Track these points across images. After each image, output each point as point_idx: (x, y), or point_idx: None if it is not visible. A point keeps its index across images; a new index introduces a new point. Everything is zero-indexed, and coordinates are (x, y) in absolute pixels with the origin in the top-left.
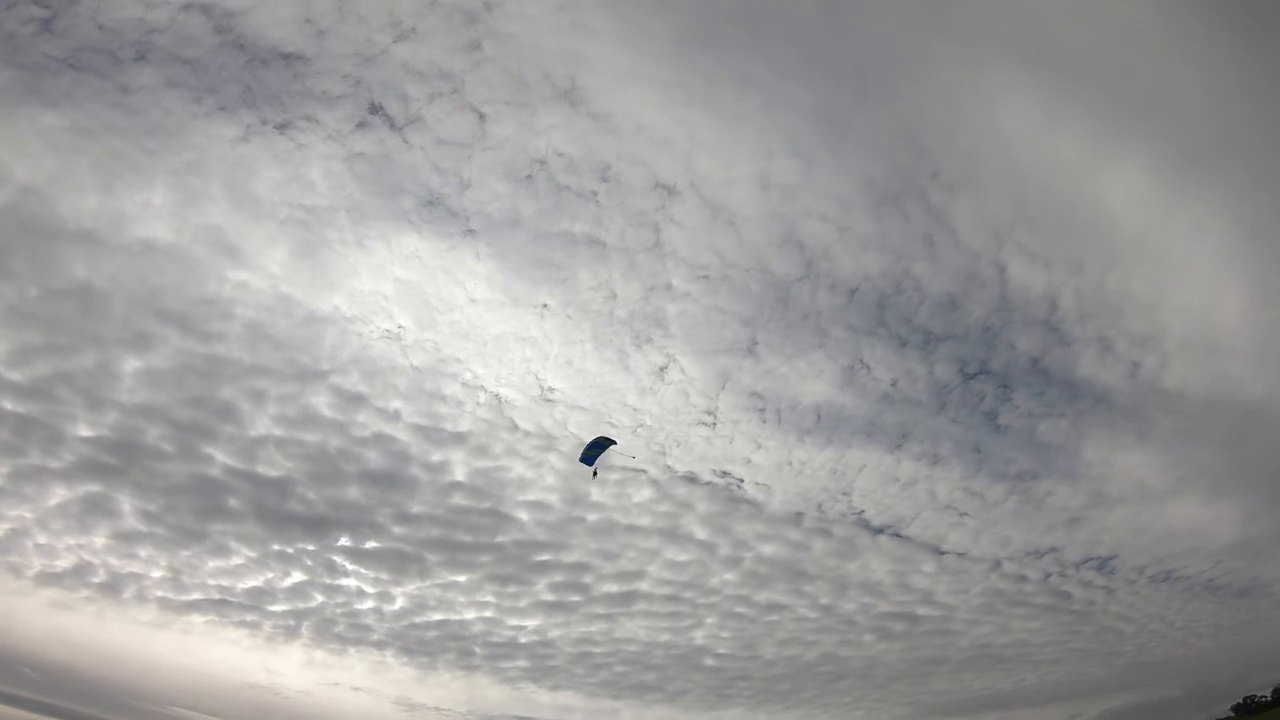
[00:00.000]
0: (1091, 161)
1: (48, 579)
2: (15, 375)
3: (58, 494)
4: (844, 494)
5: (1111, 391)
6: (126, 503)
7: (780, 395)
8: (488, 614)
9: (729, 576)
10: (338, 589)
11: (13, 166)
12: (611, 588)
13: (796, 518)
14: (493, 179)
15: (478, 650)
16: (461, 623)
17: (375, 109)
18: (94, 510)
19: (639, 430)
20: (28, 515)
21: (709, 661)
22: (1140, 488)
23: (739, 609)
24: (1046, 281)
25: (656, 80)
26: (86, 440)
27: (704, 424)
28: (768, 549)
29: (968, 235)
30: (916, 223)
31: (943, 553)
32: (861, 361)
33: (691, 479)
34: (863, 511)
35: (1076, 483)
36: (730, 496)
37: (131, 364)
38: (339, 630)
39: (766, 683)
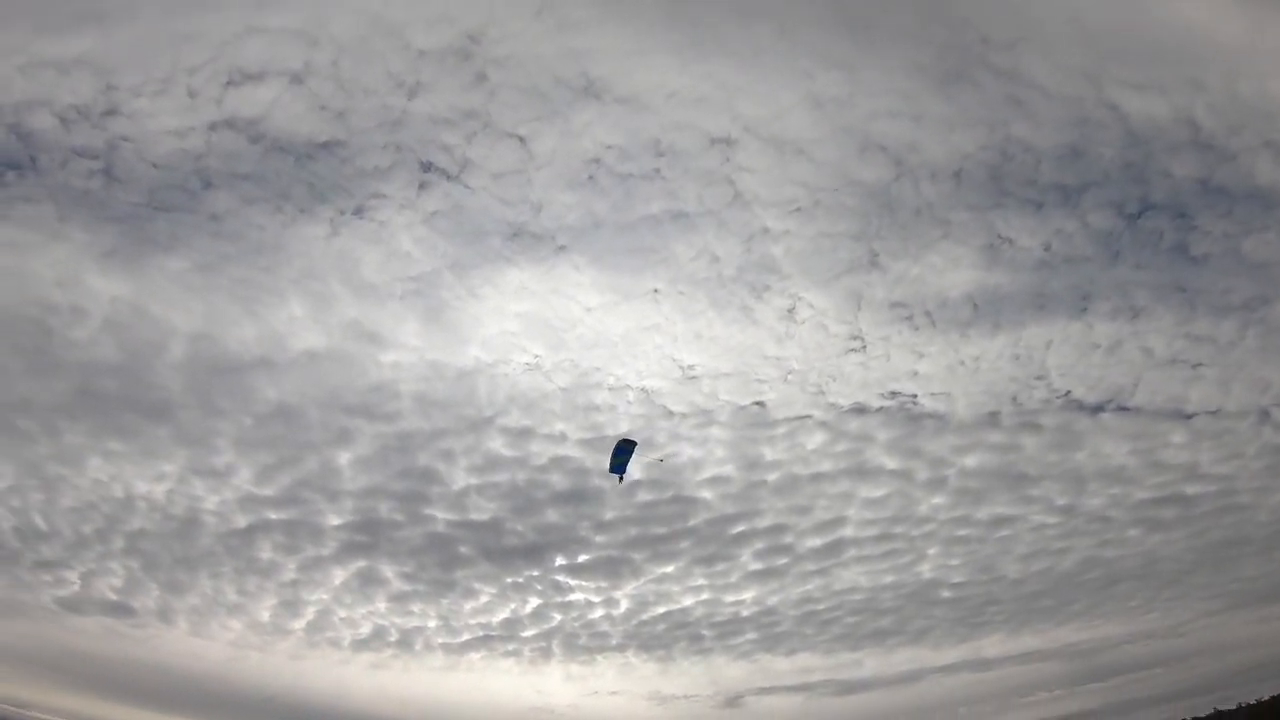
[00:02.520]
0: None
1: (359, 646)
2: (268, 490)
3: (338, 575)
4: (1038, 378)
5: None
6: (388, 570)
7: (923, 296)
8: (704, 596)
9: (938, 500)
10: (569, 605)
11: (171, 318)
12: (815, 542)
13: (991, 418)
14: (558, 192)
15: (706, 633)
16: (683, 610)
17: (426, 167)
18: (368, 582)
19: (789, 377)
20: (325, 597)
21: (945, 594)
22: None
23: (961, 531)
24: (1170, 106)
25: (662, 46)
26: (339, 527)
27: (853, 350)
28: (970, 460)
29: (1057, 86)
30: (992, 90)
31: (1189, 416)
32: (999, 236)
33: (860, 409)
34: (1068, 392)
35: None
36: (908, 416)
37: (344, 457)
38: (582, 642)
39: (1022, 602)
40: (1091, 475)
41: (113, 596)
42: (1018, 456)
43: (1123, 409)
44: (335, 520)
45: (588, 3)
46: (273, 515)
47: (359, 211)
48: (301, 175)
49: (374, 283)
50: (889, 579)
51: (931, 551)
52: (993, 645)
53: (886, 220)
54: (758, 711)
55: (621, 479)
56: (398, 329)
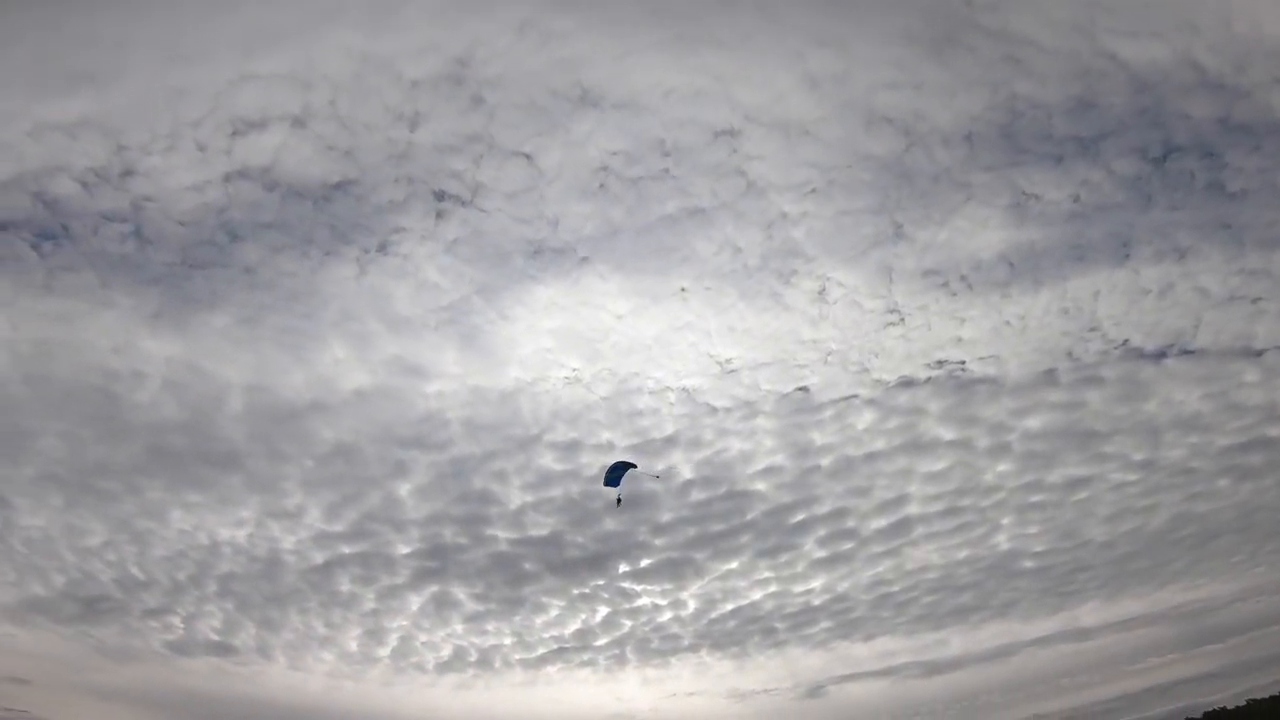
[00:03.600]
0: None
1: (443, 668)
2: (338, 527)
3: (414, 601)
4: (1091, 330)
5: None
6: (460, 592)
7: (955, 261)
8: (772, 589)
9: (1004, 467)
10: (638, 610)
11: (224, 373)
12: (880, 523)
13: (1048, 376)
14: (572, 204)
15: (778, 625)
16: (752, 605)
17: (440, 195)
18: (443, 605)
19: (829, 359)
20: (405, 623)
21: (1027, 564)
22: None
23: (1034, 498)
24: (1170, 50)
25: (649, 45)
26: (409, 555)
27: (891, 324)
28: (1032, 422)
29: (1050, 40)
30: (985, 50)
31: (1259, 353)
32: (1024, 193)
33: (907, 383)
34: (1125, 341)
35: None
36: (958, 383)
37: (404, 488)
38: (655, 646)
39: (1114, 566)
40: (1166, 425)
41: (215, 637)
42: (1083, 413)
43: (1187, 352)
44: (404, 549)
45: (567, 13)
46: (346, 549)
47: (382, 248)
48: (321, 218)
49: (408, 316)
50: (963, 554)
51: (1005, 521)
52: (1089, 613)
53: (905, 190)
54: (841, 700)
55: (620, 502)
56: (437, 359)
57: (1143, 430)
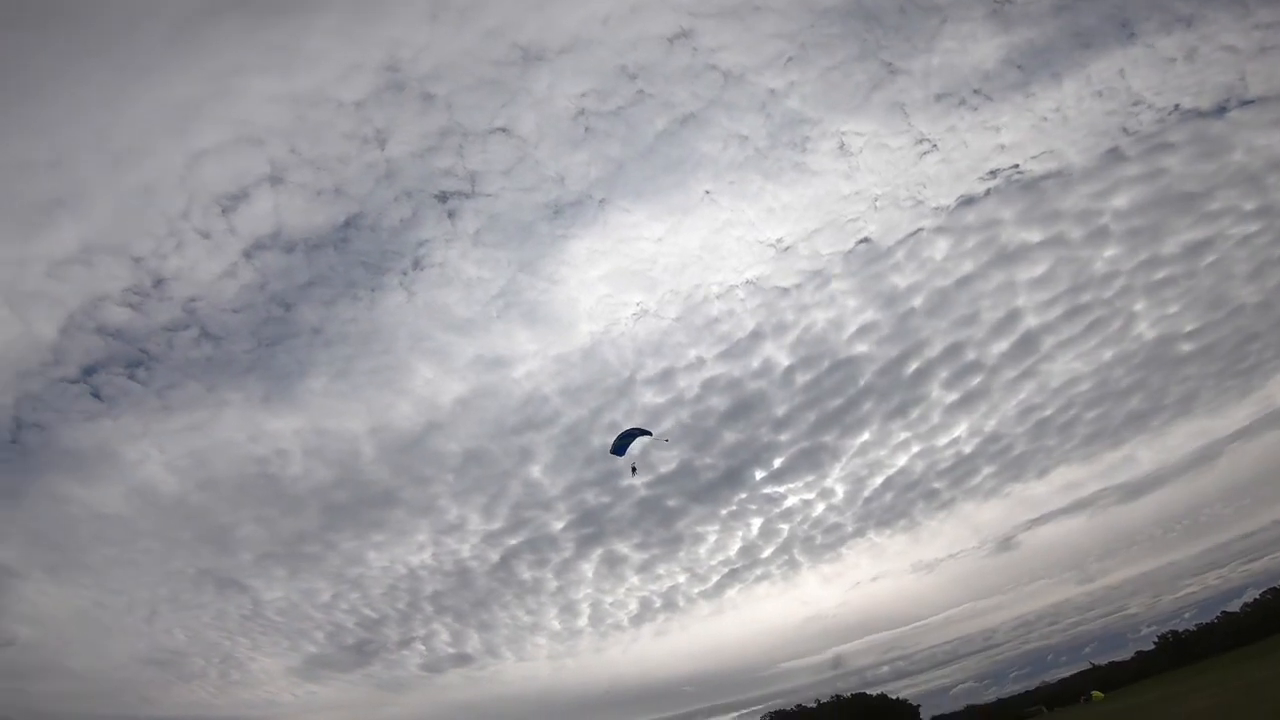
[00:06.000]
0: None
1: (636, 620)
2: (498, 524)
3: (587, 568)
4: (1135, 104)
5: None
6: (621, 546)
7: (962, 78)
8: (915, 449)
9: (1111, 251)
10: (790, 513)
11: (347, 426)
12: (1001, 345)
13: (1111, 155)
14: (566, 157)
15: (938, 486)
16: (901, 471)
17: (443, 197)
18: (614, 564)
19: (878, 204)
20: (589, 590)
21: (1185, 347)
22: None
23: (1158, 274)
24: None
25: None
26: (565, 528)
27: (925, 153)
28: (1119, 200)
29: None
30: None
31: None
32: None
33: (968, 200)
34: (1177, 105)
35: None
36: (1021, 185)
37: (535, 470)
38: (820, 542)
39: None
40: (1263, 170)
41: (451, 650)
42: (1170, 178)
43: (1246, 103)
44: (559, 524)
45: None
46: (512, 541)
47: (417, 264)
48: (350, 259)
49: (469, 317)
50: (1109, 354)
51: (1139, 308)
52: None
53: (878, 31)
54: (1038, 545)
55: (635, 470)
56: (512, 344)
57: (1241, 180)
